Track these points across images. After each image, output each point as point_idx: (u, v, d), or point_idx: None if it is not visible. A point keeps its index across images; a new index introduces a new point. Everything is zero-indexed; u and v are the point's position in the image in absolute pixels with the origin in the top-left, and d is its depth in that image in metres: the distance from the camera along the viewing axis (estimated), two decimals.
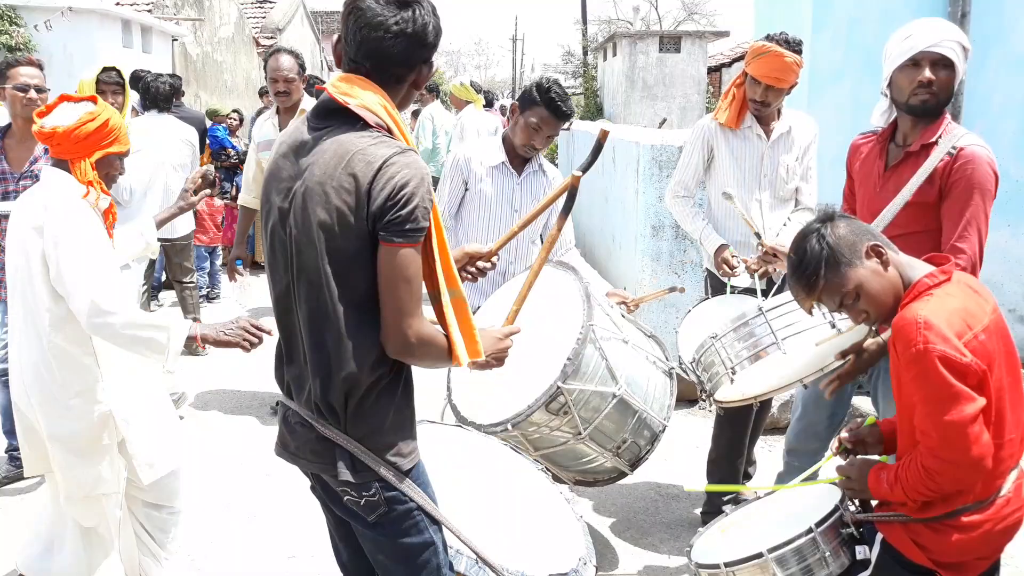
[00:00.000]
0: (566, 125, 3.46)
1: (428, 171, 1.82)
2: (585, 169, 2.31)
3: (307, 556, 3.40)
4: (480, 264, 2.41)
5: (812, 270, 2.12)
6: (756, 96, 3.44)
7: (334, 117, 1.85)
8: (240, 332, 2.53)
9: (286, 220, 1.87)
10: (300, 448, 1.95)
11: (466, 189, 3.39)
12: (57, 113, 2.65)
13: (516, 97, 3.48)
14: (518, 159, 3.43)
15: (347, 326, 1.82)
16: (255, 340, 2.54)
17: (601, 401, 2.65)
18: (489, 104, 10.59)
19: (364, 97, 1.83)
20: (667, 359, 2.98)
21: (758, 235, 3.20)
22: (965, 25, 4.92)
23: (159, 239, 3.23)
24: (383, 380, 1.88)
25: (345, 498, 1.92)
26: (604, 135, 2.36)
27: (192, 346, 2.65)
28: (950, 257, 2.16)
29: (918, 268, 2.14)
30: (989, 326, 2.04)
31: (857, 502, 2.28)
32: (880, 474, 2.13)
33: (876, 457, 2.31)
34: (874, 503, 2.26)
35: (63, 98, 2.72)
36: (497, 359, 2.09)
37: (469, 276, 2.42)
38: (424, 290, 1.85)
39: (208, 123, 8.62)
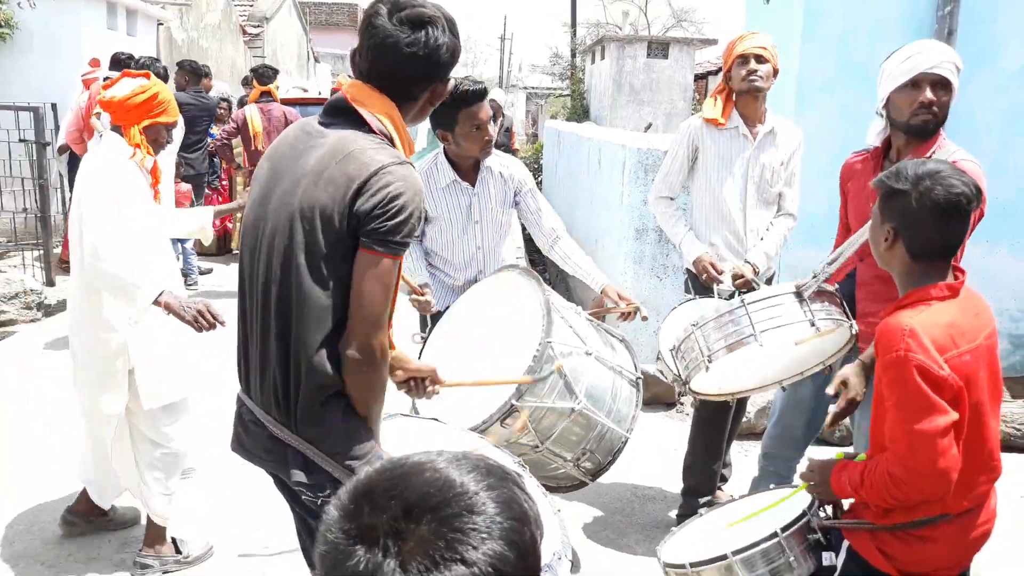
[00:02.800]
0: (490, 98, 3.24)
1: (422, 187, 1.82)
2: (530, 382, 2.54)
3: (285, 556, 3.37)
4: (429, 389, 2.32)
5: (891, 176, 2.09)
6: (745, 70, 3.42)
7: (342, 115, 1.87)
8: (195, 313, 2.81)
9: (268, 207, 1.86)
10: (254, 446, 1.95)
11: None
12: (117, 86, 3.09)
13: (432, 123, 3.12)
14: (468, 170, 3.28)
15: (310, 324, 1.79)
16: (205, 324, 2.81)
17: (559, 417, 2.64)
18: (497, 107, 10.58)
19: (373, 105, 1.85)
20: (635, 368, 2.95)
21: (756, 270, 3.29)
22: (952, 43, 4.98)
23: None
24: (335, 383, 1.84)
25: (302, 497, 1.91)
26: (560, 369, 2.57)
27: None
28: (965, 272, 2.16)
29: (934, 276, 2.11)
30: (978, 348, 2.04)
31: (828, 509, 2.29)
32: (841, 475, 2.14)
33: (832, 453, 2.32)
34: (846, 508, 2.28)
35: (125, 74, 3.17)
36: (415, 386, 2.21)
37: (414, 393, 2.32)
38: None
39: None
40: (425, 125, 8.69)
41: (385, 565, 0.81)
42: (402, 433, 2.31)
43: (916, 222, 2.05)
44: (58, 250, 7.71)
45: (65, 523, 3.39)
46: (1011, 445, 4.37)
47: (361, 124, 1.84)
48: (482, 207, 3.31)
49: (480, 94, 3.06)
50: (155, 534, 3.24)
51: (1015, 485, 3.70)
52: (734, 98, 3.54)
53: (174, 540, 3.28)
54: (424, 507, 0.84)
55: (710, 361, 2.54)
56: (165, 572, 3.21)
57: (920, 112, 2.66)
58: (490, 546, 0.83)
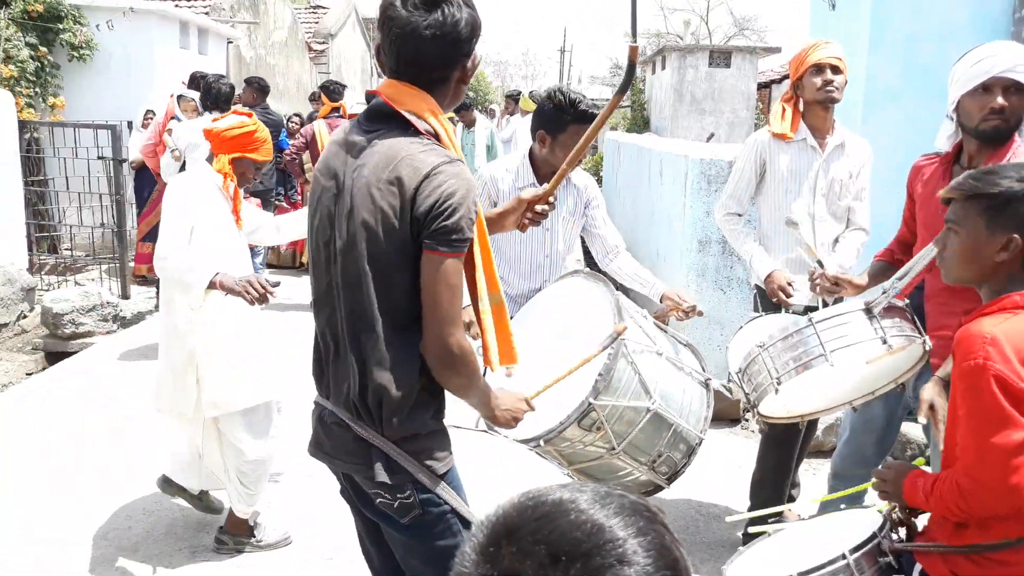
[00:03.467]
0: None
1: (475, 182, 1.83)
2: (622, 91, 2.32)
3: (345, 561, 3.42)
4: (539, 207, 2.34)
5: (992, 184, 1.98)
6: (821, 80, 3.34)
7: (385, 121, 1.87)
8: (246, 284, 2.98)
9: (333, 220, 1.89)
10: (335, 448, 1.96)
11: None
12: (223, 119, 3.48)
13: (534, 125, 3.19)
14: (547, 176, 3.22)
15: (386, 330, 1.83)
16: (255, 293, 2.96)
17: (635, 415, 2.62)
18: None
19: (412, 103, 1.84)
20: (703, 369, 2.92)
21: (820, 263, 3.11)
22: None
23: None
24: (420, 386, 1.88)
25: (378, 500, 1.92)
26: (634, 52, 2.32)
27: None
28: None
29: (1018, 283, 2.04)
30: None
31: (904, 531, 2.22)
32: (917, 481, 2.07)
33: (916, 464, 2.25)
34: (920, 529, 2.20)
35: (233, 112, 3.68)
36: (514, 418, 2.11)
37: (531, 222, 2.35)
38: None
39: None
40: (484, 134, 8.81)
41: None
42: (457, 445, 2.32)
43: (1007, 216, 1.96)
44: (131, 264, 7.98)
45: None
46: None
47: (405, 126, 1.84)
48: (556, 215, 3.29)
49: (590, 118, 3.09)
50: (236, 521, 3.52)
51: None
52: (801, 108, 3.46)
53: (254, 525, 3.54)
54: (573, 555, 0.77)
55: (779, 383, 2.48)
56: (238, 551, 3.50)
57: (991, 117, 2.56)
58: None
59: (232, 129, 3.36)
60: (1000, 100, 2.53)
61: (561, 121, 3.10)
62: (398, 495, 1.89)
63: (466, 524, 1.95)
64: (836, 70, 3.36)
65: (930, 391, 2.31)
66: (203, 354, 3.26)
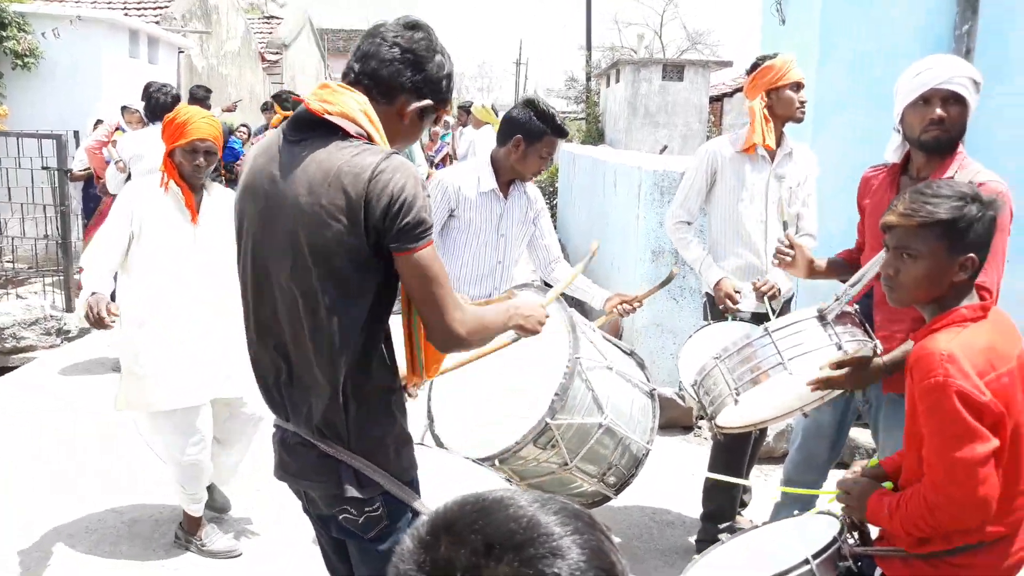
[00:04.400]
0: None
1: (415, 168, 1.79)
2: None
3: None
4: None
5: (944, 208, 1.98)
6: (798, 98, 3.50)
7: (311, 129, 1.81)
8: (88, 308, 2.99)
9: (270, 241, 1.82)
10: (301, 469, 1.91)
11: (450, 216, 3.27)
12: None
13: (510, 130, 3.24)
14: (504, 183, 3.32)
15: (342, 346, 1.78)
16: (92, 318, 2.98)
17: (588, 431, 2.63)
18: None
19: (343, 102, 1.79)
20: (648, 380, 2.95)
21: (785, 224, 3.19)
22: (970, 60, 4.94)
23: None
24: (381, 395, 1.85)
25: (342, 517, 1.87)
26: (596, 248, 2.83)
27: None
28: (991, 291, 2.11)
29: (963, 296, 2.07)
30: (1014, 370, 1.99)
31: (856, 535, 2.23)
32: (883, 499, 2.08)
33: (883, 484, 2.27)
34: (874, 536, 2.22)
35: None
36: (539, 323, 2.13)
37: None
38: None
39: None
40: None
41: None
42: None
43: (986, 245, 2.00)
44: (78, 276, 7.78)
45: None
46: None
47: (333, 132, 1.79)
48: (511, 221, 3.34)
49: (565, 134, 3.31)
50: (187, 518, 3.56)
51: None
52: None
53: (208, 528, 3.58)
54: (507, 545, 0.78)
55: (738, 394, 2.49)
56: (187, 548, 3.55)
57: (930, 128, 2.61)
58: None
59: (164, 123, 3.33)
60: (939, 111, 2.58)
61: (539, 131, 3.18)
62: (366, 508, 1.85)
63: None
64: (802, 86, 3.50)
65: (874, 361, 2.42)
66: (119, 353, 3.38)
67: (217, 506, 3.78)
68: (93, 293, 3.05)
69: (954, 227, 1.98)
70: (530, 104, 3.24)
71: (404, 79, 1.85)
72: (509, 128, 3.23)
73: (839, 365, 2.43)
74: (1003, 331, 2.05)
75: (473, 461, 2.60)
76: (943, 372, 1.89)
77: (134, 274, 3.27)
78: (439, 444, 2.79)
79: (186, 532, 3.55)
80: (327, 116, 1.78)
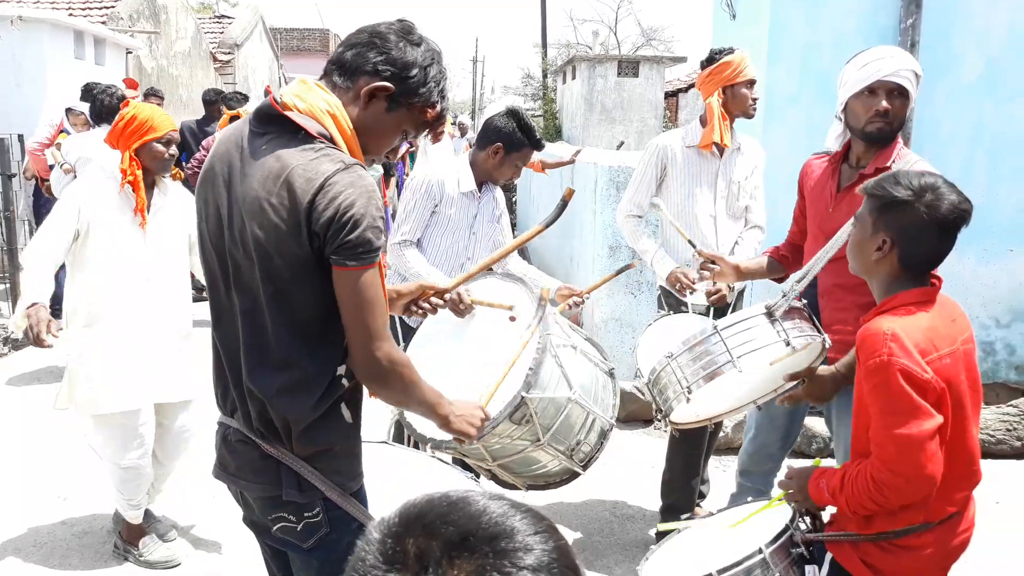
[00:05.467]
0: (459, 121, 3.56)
1: (374, 185, 1.74)
2: (549, 223, 2.59)
3: None
4: (434, 300, 2.36)
5: (886, 188, 2.04)
6: (751, 96, 3.55)
7: (274, 124, 1.76)
8: (28, 326, 2.95)
9: (224, 232, 1.78)
10: (240, 468, 1.85)
11: (433, 213, 3.36)
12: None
13: (491, 136, 3.37)
14: (479, 185, 3.44)
15: (290, 348, 1.74)
16: (31, 335, 2.93)
17: (559, 407, 2.66)
18: (463, 126, 10.70)
19: (311, 100, 1.75)
20: (605, 360, 3.00)
21: (691, 243, 3.23)
22: (915, 54, 5.04)
23: None
24: (329, 406, 1.80)
25: (279, 524, 1.83)
26: (570, 194, 2.62)
27: None
28: (941, 278, 2.15)
29: (905, 284, 2.11)
30: (956, 352, 2.03)
31: (808, 521, 2.26)
32: (819, 481, 2.12)
33: (810, 463, 2.30)
34: (826, 520, 2.25)
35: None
36: (470, 425, 2.01)
37: (420, 312, 2.36)
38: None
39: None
40: None
41: None
42: (381, 461, 2.27)
43: (918, 234, 2.03)
44: None
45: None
46: (986, 452, 4.39)
47: (295, 130, 1.74)
48: (483, 220, 3.46)
49: (541, 147, 3.56)
50: (126, 525, 3.50)
51: (991, 491, 3.71)
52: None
53: (146, 538, 3.50)
54: (481, 537, 0.79)
55: (690, 392, 2.52)
56: (125, 558, 3.48)
57: (875, 119, 2.66)
58: None
59: (119, 124, 3.25)
60: (884, 103, 2.63)
61: (519, 142, 3.35)
62: (305, 514, 1.81)
63: None
64: (754, 83, 3.55)
65: (821, 368, 2.48)
66: (63, 352, 3.31)
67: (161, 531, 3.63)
68: (33, 304, 2.98)
69: (880, 203, 2.05)
70: (513, 115, 3.38)
71: (365, 60, 1.78)
72: (490, 134, 3.37)
73: (792, 377, 2.49)
74: (949, 316, 2.09)
75: (448, 444, 2.60)
76: (887, 351, 1.93)
77: (83, 274, 3.21)
78: (411, 430, 2.78)
79: (124, 541, 3.49)
80: (288, 113, 1.74)
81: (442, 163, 3.56)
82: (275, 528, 1.84)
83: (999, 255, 5.40)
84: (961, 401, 2.03)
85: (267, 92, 1.89)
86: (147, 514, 3.57)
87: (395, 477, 2.49)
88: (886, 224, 2.04)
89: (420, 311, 2.35)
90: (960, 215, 2.01)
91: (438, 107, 1.87)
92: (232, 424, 1.87)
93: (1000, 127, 5.33)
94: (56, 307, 3.20)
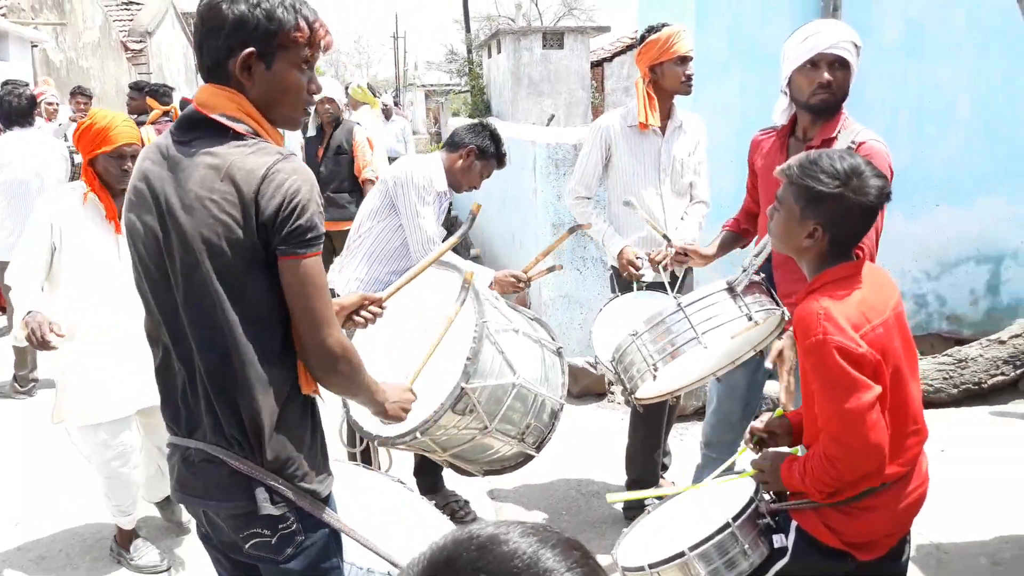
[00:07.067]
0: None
1: (312, 175, 1.74)
2: (462, 235, 2.78)
3: None
4: (372, 309, 2.32)
5: (814, 179, 2.07)
6: (683, 72, 3.50)
7: (201, 128, 1.74)
8: (29, 331, 2.90)
9: (164, 241, 1.74)
10: (206, 488, 1.81)
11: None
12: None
13: (465, 139, 3.56)
14: (452, 185, 3.61)
15: (247, 350, 1.72)
16: (34, 340, 2.89)
17: (503, 392, 2.68)
18: (387, 109, 10.50)
19: (224, 105, 1.72)
20: (553, 339, 3.03)
21: (666, 237, 3.25)
22: (837, 17, 5.14)
23: None
24: (293, 405, 1.79)
25: (253, 541, 1.79)
26: (478, 208, 2.83)
27: None
28: (864, 248, 2.23)
29: (831, 263, 2.18)
30: (888, 320, 2.11)
31: (772, 492, 2.33)
32: (792, 465, 2.20)
33: (787, 449, 2.38)
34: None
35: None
36: (403, 409, 2.10)
37: (360, 322, 2.31)
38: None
39: None
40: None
41: None
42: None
43: (844, 220, 2.09)
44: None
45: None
46: (927, 402, 4.55)
47: (223, 131, 1.72)
48: (441, 217, 3.61)
49: (504, 165, 3.72)
50: (119, 531, 3.51)
51: (935, 441, 3.84)
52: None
53: (137, 541, 3.52)
54: None
55: (656, 369, 2.56)
56: (118, 562, 3.51)
57: (819, 92, 2.72)
58: None
59: (78, 130, 3.19)
60: (827, 75, 2.69)
61: (492, 156, 3.57)
62: (280, 526, 1.79)
63: (340, 547, 1.91)
64: (688, 59, 3.51)
65: (783, 343, 2.51)
66: (57, 363, 3.27)
67: (175, 519, 3.74)
68: (29, 312, 2.94)
69: (809, 195, 2.08)
70: (486, 127, 3.61)
71: (216, 49, 1.72)
72: (463, 137, 3.55)
73: (759, 352, 2.62)
74: (876, 285, 2.17)
75: (394, 439, 2.62)
76: (822, 330, 2.01)
77: (58, 287, 3.17)
78: (359, 429, 2.77)
79: (119, 545, 3.52)
80: (215, 116, 1.71)
81: (423, 161, 3.63)
82: (247, 545, 1.81)
83: (927, 210, 5.59)
84: (898, 366, 2.11)
85: (186, 102, 1.83)
86: (172, 515, 3.71)
87: (357, 501, 2.48)
88: (815, 213, 2.10)
89: (361, 321, 2.31)
90: (885, 197, 2.11)
91: (299, 22, 1.74)
92: (192, 444, 1.82)
93: (922, 87, 5.51)
94: None
